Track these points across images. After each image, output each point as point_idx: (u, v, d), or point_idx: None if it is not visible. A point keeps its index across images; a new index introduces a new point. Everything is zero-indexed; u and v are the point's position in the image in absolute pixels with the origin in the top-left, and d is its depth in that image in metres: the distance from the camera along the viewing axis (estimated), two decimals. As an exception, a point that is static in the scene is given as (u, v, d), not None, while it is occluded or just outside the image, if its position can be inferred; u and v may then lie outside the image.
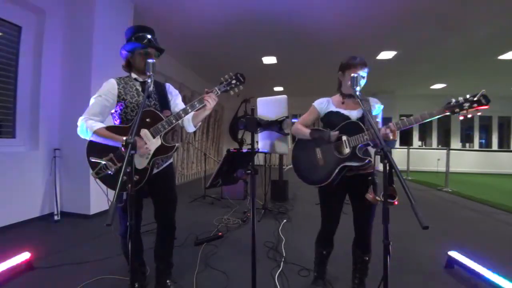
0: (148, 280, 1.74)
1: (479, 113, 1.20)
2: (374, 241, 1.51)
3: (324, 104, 1.63)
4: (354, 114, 1.53)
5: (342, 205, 1.62)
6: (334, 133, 1.47)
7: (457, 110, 1.22)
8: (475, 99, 1.19)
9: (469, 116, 1.22)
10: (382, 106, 1.61)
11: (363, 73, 1.46)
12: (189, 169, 6.59)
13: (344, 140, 1.46)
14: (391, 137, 1.34)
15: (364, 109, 1.24)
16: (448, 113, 1.24)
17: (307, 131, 1.59)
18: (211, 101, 1.42)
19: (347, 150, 1.45)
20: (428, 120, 1.27)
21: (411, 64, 5.88)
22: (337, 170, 1.45)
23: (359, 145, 1.41)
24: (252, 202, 1.41)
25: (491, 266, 1.77)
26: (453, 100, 1.23)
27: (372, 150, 1.43)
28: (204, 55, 5.46)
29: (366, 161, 1.40)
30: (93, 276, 1.78)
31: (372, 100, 1.55)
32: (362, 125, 1.42)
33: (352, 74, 1.34)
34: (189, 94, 6.48)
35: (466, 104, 1.21)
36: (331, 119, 1.57)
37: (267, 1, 3.43)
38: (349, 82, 1.38)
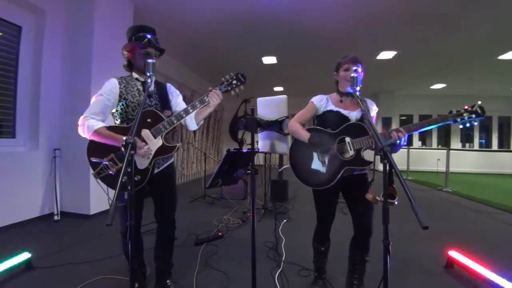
0: (148, 280, 1.74)
1: (476, 123, 1.32)
2: (373, 241, 1.51)
3: (323, 101, 1.59)
4: (353, 115, 1.52)
5: (337, 202, 1.62)
6: (334, 148, 1.46)
7: (457, 119, 1.33)
8: (473, 109, 1.31)
9: (467, 125, 1.34)
10: (377, 109, 1.61)
11: (355, 67, 1.46)
12: (189, 169, 6.59)
13: (348, 142, 1.44)
14: (402, 141, 1.37)
15: (364, 109, 1.24)
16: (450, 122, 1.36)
17: (305, 135, 1.52)
18: (215, 99, 1.42)
19: (351, 153, 1.43)
20: (433, 126, 1.37)
21: (411, 64, 5.89)
22: (341, 173, 1.43)
23: (363, 148, 1.41)
24: (252, 202, 1.41)
25: (491, 266, 1.77)
26: (454, 110, 1.35)
27: (369, 152, 1.42)
28: (204, 55, 5.47)
29: (370, 165, 1.40)
30: (93, 276, 1.78)
31: (369, 102, 1.54)
32: (365, 127, 1.41)
33: (352, 74, 1.34)
34: (189, 94, 6.48)
35: (465, 114, 1.32)
36: (329, 118, 1.55)
37: (268, 1, 3.43)
38: (347, 82, 1.39)
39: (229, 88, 1.47)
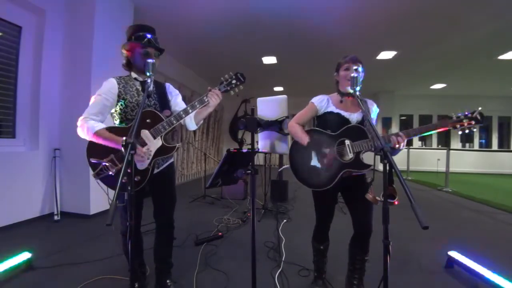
0: (148, 280, 1.74)
1: (475, 129, 1.31)
2: (373, 241, 1.51)
3: (324, 102, 1.59)
4: (354, 117, 1.52)
5: (337, 202, 1.63)
6: (334, 149, 1.46)
7: (457, 126, 1.32)
8: (473, 116, 1.30)
9: (467, 131, 1.33)
10: (378, 110, 1.61)
11: (355, 67, 1.45)
12: (189, 169, 6.59)
13: (348, 145, 1.44)
14: (401, 146, 1.37)
15: (364, 110, 1.24)
16: (450, 128, 1.35)
17: (304, 138, 1.53)
18: (214, 99, 1.42)
19: (350, 156, 1.43)
20: (432, 132, 1.37)
21: (411, 64, 5.88)
22: (339, 176, 1.44)
23: (362, 151, 1.41)
24: (252, 202, 1.41)
25: (491, 266, 1.77)
26: (454, 116, 1.33)
27: (368, 155, 1.43)
28: (204, 55, 5.46)
29: (370, 168, 1.41)
30: (93, 276, 1.78)
31: (369, 102, 1.54)
32: (366, 130, 1.41)
33: (353, 74, 1.34)
34: (189, 94, 6.48)
35: (465, 120, 1.31)
36: (329, 120, 1.55)
37: (267, 1, 3.43)
38: (347, 82, 1.39)
39: (229, 88, 1.47)
